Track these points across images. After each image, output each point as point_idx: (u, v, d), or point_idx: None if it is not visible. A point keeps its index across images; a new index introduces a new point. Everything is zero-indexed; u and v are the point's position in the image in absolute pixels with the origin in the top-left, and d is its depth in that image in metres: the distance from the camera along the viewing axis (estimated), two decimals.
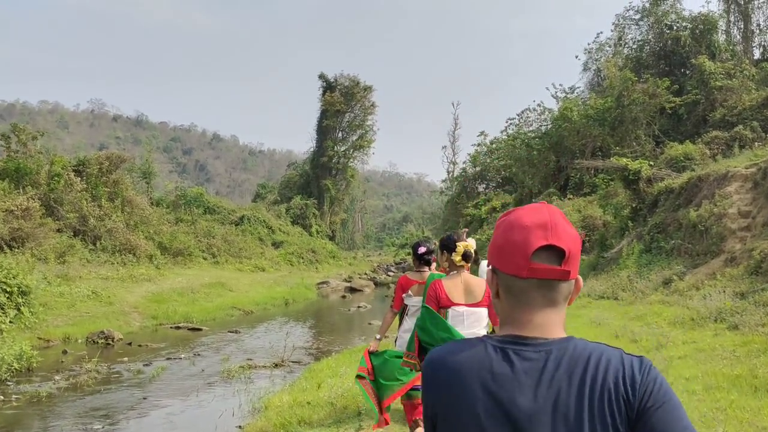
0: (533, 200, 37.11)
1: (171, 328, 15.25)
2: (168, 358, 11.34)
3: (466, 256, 4.73)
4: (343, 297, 28.34)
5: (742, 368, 7.25)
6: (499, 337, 1.39)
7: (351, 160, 63.31)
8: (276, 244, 44.94)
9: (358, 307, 22.54)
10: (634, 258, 18.98)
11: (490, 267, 1.46)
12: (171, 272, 25.01)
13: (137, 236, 27.09)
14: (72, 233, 24.51)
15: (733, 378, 6.89)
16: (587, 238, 28.19)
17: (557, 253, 1.37)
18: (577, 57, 69.08)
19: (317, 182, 61.15)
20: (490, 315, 4.78)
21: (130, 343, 13.02)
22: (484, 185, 54.28)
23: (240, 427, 7.13)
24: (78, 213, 25.38)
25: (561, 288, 1.39)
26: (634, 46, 42.52)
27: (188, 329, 15.18)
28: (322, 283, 33.38)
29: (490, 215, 43.03)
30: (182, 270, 27.04)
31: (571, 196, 33.89)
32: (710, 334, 9.88)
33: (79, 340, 13.17)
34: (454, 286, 4.69)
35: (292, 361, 10.97)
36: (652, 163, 24.00)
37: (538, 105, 44.79)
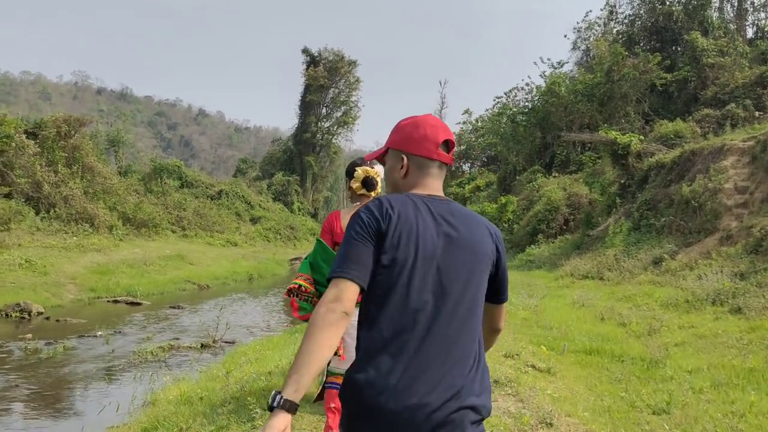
0: (518, 178, 35.88)
1: (108, 301, 13.75)
2: (81, 336, 9.77)
3: (367, 183, 4.13)
4: None
5: (756, 360, 5.90)
6: (417, 194, 1.99)
7: (335, 136, 62.10)
8: (254, 220, 44.06)
9: None
10: (621, 236, 17.66)
11: (403, 156, 2.05)
12: (131, 244, 23.47)
13: (96, 205, 25.45)
14: (24, 200, 22.86)
15: (747, 372, 5.53)
16: (572, 217, 26.94)
17: (449, 147, 2.07)
18: (566, 36, 67.76)
19: (300, 159, 59.88)
20: None
21: (48, 318, 11.49)
22: (469, 164, 53.07)
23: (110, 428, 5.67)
24: (31, 178, 23.69)
25: (444, 168, 2.07)
26: (626, 21, 41.05)
27: (126, 303, 13.66)
28: (296, 258, 31.95)
29: (473, 194, 41.84)
30: (144, 242, 25.50)
31: (557, 174, 32.59)
32: (710, 318, 8.54)
33: None
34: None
35: (226, 341, 9.50)
36: (642, 137, 22.61)
37: (527, 84, 43.41)
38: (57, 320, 11.15)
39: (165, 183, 38.24)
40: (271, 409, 1.56)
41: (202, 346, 9.09)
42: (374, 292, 1.81)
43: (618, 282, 13.80)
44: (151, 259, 19.37)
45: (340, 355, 3.83)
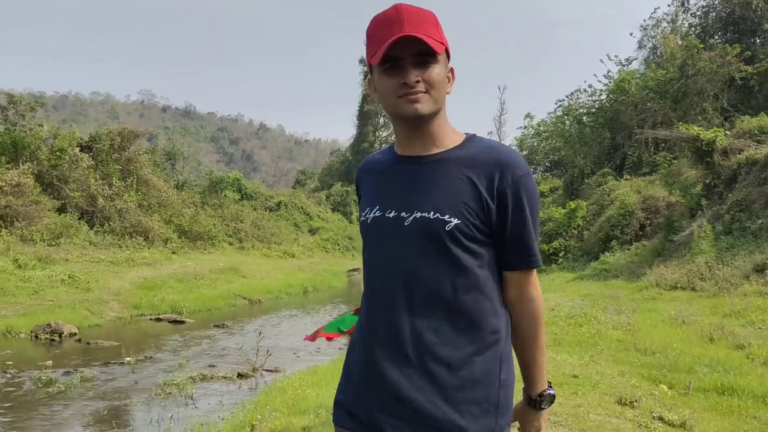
0: (586, 182, 34.02)
1: (150, 320, 12.81)
2: (107, 363, 8.70)
3: None
4: None
5: None
6: None
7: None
8: (312, 231, 43.61)
9: None
10: (709, 241, 15.85)
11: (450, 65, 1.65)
12: (184, 257, 22.76)
13: (151, 218, 24.94)
14: (79, 214, 22.47)
15: None
16: (648, 222, 25.04)
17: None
18: (631, 34, 65.08)
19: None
20: None
21: (79, 340, 10.51)
22: (532, 169, 51.27)
23: None
24: (85, 192, 23.31)
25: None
26: (699, 13, 38.68)
27: (169, 321, 12.68)
28: (354, 270, 30.83)
29: (539, 200, 40.10)
30: (199, 255, 24.82)
31: (628, 176, 30.58)
32: None
33: (23, 334, 10.74)
34: None
35: (267, 370, 8.27)
36: (728, 132, 20.64)
37: (589, 86, 41.53)
38: (88, 343, 10.12)
39: (225, 196, 38.01)
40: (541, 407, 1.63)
41: (239, 375, 7.84)
42: None
43: (715, 294, 12.11)
44: (203, 272, 18.51)
45: None
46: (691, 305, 11.08)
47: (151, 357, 8.98)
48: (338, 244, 42.85)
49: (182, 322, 12.50)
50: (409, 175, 1.62)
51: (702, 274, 13.86)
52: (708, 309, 10.22)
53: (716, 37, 35.29)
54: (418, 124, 1.60)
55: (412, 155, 1.64)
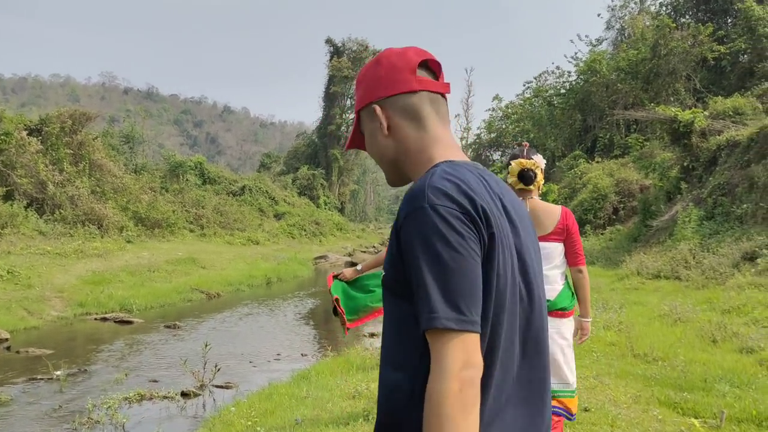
0: (557, 164, 33.43)
1: (96, 319, 11.61)
2: (32, 379, 7.32)
3: (523, 177, 3.78)
4: None
5: None
6: (469, 163, 1.35)
7: None
8: (278, 216, 42.51)
9: None
10: (692, 227, 15.18)
11: (375, 107, 1.41)
12: (140, 246, 21.50)
13: (105, 205, 23.59)
14: (27, 201, 21.06)
15: None
16: (622, 206, 24.48)
17: (432, 72, 1.41)
18: (599, 15, 64.82)
19: (325, 152, 58.78)
20: (567, 253, 3.79)
21: (9, 348, 9.24)
22: (500, 152, 50.80)
23: None
24: (34, 178, 21.88)
25: (444, 103, 1.42)
26: None
27: (116, 321, 11.51)
28: (320, 257, 29.80)
29: (506, 182, 39.49)
30: (157, 244, 23.57)
31: (600, 159, 30.03)
32: None
33: None
34: None
35: (217, 386, 7.09)
36: (706, 113, 20.01)
37: (557, 68, 41.04)
38: (17, 351, 8.89)
39: (186, 180, 36.66)
40: None
41: (182, 394, 6.73)
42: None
43: (703, 284, 11.40)
44: (158, 263, 17.31)
45: None
46: (679, 298, 10.34)
47: (85, 370, 7.78)
48: (305, 230, 41.75)
49: (130, 323, 11.33)
50: None
51: (687, 263, 13.18)
52: (702, 303, 9.47)
53: (687, 17, 34.85)
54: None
55: None
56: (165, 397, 6.49)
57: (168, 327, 11.06)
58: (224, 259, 21.71)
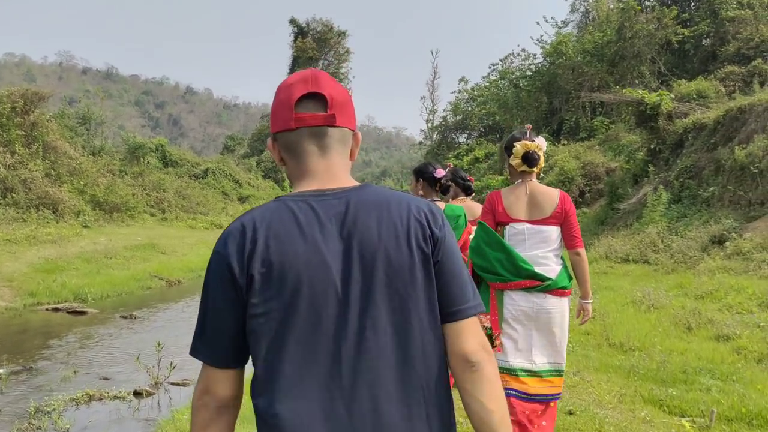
0: None
1: (47, 310, 11.00)
2: None
3: (527, 159, 3.81)
4: None
5: None
6: (296, 193, 1.45)
7: None
8: (242, 199, 42.01)
9: None
10: (660, 210, 15.11)
11: (269, 140, 1.56)
12: (97, 231, 20.79)
13: (60, 189, 22.76)
14: None
15: None
16: (588, 188, 24.45)
17: (321, 101, 1.45)
18: None
19: None
20: (565, 236, 3.84)
21: None
22: (466, 135, 50.58)
23: None
24: None
25: (332, 134, 1.47)
26: None
27: (68, 312, 10.91)
28: None
29: (472, 165, 39.26)
30: (116, 228, 22.85)
31: (566, 141, 29.97)
32: None
33: None
34: (515, 197, 3.83)
35: (172, 383, 6.58)
36: (672, 95, 19.97)
37: (522, 50, 40.88)
38: None
39: (147, 163, 35.77)
40: None
41: (135, 394, 6.18)
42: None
43: (673, 269, 11.28)
44: (116, 249, 16.68)
45: (496, 347, 3.48)
46: (651, 282, 10.19)
47: (30, 367, 7.23)
48: None
49: (83, 313, 10.75)
50: None
51: (655, 246, 13.08)
52: (674, 288, 9.31)
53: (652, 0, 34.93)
54: None
55: None
56: (116, 397, 6.02)
57: (124, 317, 10.54)
58: (186, 244, 21.13)
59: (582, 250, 3.89)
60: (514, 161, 3.86)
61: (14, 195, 20.93)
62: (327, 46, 57.92)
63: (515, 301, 3.65)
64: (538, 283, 3.65)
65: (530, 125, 4.15)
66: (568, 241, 3.84)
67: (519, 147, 3.85)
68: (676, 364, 5.60)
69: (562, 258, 3.87)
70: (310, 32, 57.31)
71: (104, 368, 7.31)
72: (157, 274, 14.90)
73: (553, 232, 3.80)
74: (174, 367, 6.51)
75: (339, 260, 1.36)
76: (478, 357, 1.39)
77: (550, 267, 3.71)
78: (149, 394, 6.25)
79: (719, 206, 13.59)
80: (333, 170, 1.47)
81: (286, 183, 51.84)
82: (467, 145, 46.91)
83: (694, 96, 21.66)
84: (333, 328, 1.34)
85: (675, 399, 4.63)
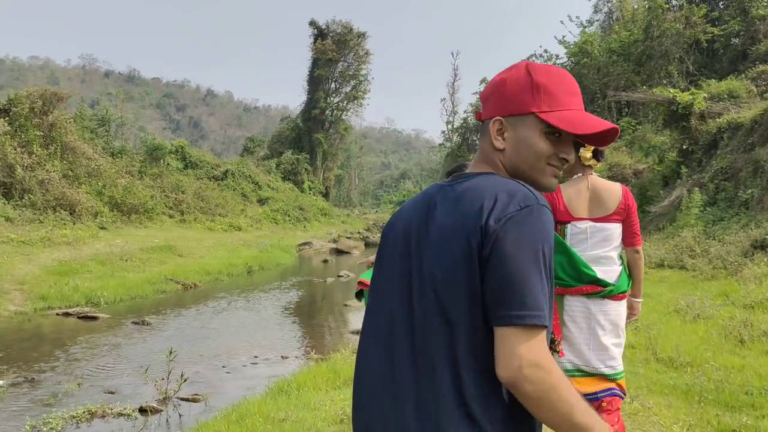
0: None
1: (58, 314, 10.56)
2: None
3: (597, 153, 3.59)
4: (325, 261, 23.68)
5: None
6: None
7: (344, 112, 60.29)
8: (262, 201, 41.96)
9: (338, 276, 17.86)
10: (695, 212, 14.46)
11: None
12: (114, 233, 20.51)
13: (78, 190, 22.51)
14: None
15: None
16: None
17: None
18: None
19: (309, 136, 58.12)
20: (625, 233, 3.62)
21: None
22: None
23: None
24: (1, 161, 20.75)
25: (485, 130, 1.54)
26: None
27: (79, 317, 10.51)
28: (304, 244, 28.94)
29: None
30: (133, 230, 22.57)
31: None
32: None
33: None
34: (576, 193, 3.57)
35: (182, 398, 6.12)
36: (706, 94, 19.25)
37: (545, 51, 40.31)
38: None
39: (167, 164, 35.63)
40: None
41: (141, 410, 5.67)
42: None
43: (713, 275, 10.65)
44: (132, 251, 16.32)
45: (558, 351, 3.39)
46: (690, 289, 9.58)
47: (32, 379, 6.77)
48: (289, 215, 41.09)
49: (94, 318, 10.32)
50: None
51: (692, 251, 12.43)
52: (718, 297, 8.70)
53: None
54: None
55: None
56: (120, 414, 5.55)
57: (136, 323, 10.11)
58: (204, 246, 20.78)
59: (641, 248, 3.70)
60: (586, 153, 3.59)
61: (31, 196, 20.72)
62: (347, 47, 57.88)
63: (573, 306, 3.45)
64: (600, 289, 3.40)
65: None
66: (628, 238, 3.63)
67: None
68: (736, 384, 5.04)
69: (620, 257, 3.65)
70: (330, 34, 57.28)
71: (110, 380, 6.87)
72: (173, 277, 14.50)
73: (616, 229, 3.57)
74: (185, 380, 6.06)
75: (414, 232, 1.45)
76: (506, 375, 1.25)
77: (612, 268, 3.51)
78: (156, 411, 5.77)
79: (759, 209, 12.92)
80: (476, 162, 1.55)
81: (306, 185, 51.55)
82: None
83: (725, 96, 20.96)
84: None
85: (750, 429, 4.08)
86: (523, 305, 1.24)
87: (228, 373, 7.46)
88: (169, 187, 31.47)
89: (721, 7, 32.30)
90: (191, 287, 14.38)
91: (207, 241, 22.66)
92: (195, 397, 6.23)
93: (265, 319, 11.36)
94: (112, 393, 6.40)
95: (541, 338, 1.26)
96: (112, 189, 25.11)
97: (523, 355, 1.22)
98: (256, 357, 8.24)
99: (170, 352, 6.13)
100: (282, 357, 8.33)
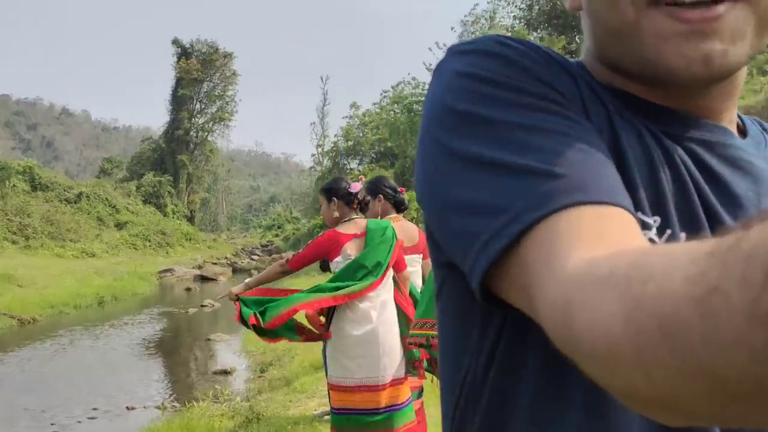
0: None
1: None
2: None
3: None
4: (188, 290, 22.14)
5: None
6: None
7: (210, 133, 59.06)
8: (119, 225, 39.77)
9: (202, 306, 16.57)
10: None
11: None
12: None
13: None
14: None
15: None
16: None
17: None
18: (453, 29, 66.56)
19: (173, 158, 56.43)
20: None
21: None
22: (358, 160, 50.34)
23: None
24: None
25: None
26: (522, 5, 39.34)
27: None
28: (165, 271, 27.16)
29: None
30: None
31: None
32: None
33: None
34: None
35: None
36: None
37: (413, 78, 41.26)
38: None
39: (13, 186, 32.96)
40: None
41: None
42: None
43: None
44: None
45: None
46: None
47: None
48: (149, 240, 39.18)
49: None
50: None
51: None
52: None
53: (540, 30, 35.78)
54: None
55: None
56: None
57: None
58: (49, 274, 18.83)
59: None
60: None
61: None
62: (212, 67, 57.21)
63: None
64: None
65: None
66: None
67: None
68: None
69: None
70: (195, 53, 56.54)
71: None
72: (8, 311, 12.73)
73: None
74: None
75: None
76: None
77: None
78: None
79: None
80: None
81: (170, 209, 49.43)
82: (359, 171, 46.39)
83: None
84: None
85: None
86: None
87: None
88: (12, 210, 29.11)
89: (579, 39, 34.12)
90: (29, 322, 12.69)
91: (54, 269, 20.62)
92: None
93: (114, 359, 9.93)
94: None
95: None
96: None
97: None
98: (95, 409, 6.93)
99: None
100: (127, 408, 7.05)
